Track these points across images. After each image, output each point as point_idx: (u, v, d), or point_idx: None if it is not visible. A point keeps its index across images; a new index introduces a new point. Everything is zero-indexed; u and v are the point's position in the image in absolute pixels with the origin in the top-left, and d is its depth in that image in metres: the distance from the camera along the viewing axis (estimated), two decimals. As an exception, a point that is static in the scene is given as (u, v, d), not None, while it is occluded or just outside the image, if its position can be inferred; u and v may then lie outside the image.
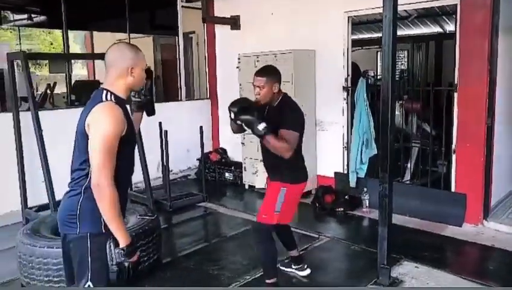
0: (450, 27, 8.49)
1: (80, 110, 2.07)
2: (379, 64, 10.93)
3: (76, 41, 12.27)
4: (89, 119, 1.95)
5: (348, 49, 5.29)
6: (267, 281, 3.19)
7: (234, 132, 3.26)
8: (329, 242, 4.28)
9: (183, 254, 4.08)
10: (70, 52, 7.01)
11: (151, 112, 2.43)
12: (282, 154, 2.88)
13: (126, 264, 1.97)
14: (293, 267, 3.58)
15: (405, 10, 6.24)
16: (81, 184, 2.01)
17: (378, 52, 10.84)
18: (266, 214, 3.07)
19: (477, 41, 4.24)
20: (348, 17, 5.22)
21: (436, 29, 8.88)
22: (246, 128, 2.92)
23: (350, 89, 5.33)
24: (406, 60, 9.24)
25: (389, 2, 3.06)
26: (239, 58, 5.84)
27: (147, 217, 3.73)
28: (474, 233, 4.32)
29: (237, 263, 3.84)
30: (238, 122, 2.89)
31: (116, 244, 1.97)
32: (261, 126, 2.80)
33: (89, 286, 1.98)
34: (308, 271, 3.56)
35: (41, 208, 4.62)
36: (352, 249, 4.12)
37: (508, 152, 5.02)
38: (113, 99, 2.00)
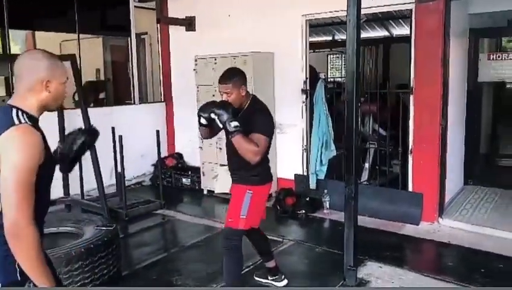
0: (396, 31, 8.80)
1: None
2: (329, 66, 11.21)
3: (16, 40, 11.50)
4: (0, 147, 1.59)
5: (306, 52, 5.31)
6: None
7: (204, 137, 3.15)
8: (293, 245, 4.26)
9: (143, 265, 3.90)
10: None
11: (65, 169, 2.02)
12: (250, 158, 2.77)
13: None
14: (269, 278, 3.44)
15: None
16: None
17: (329, 55, 11.11)
18: (232, 219, 2.97)
19: (432, 45, 4.39)
20: (306, 20, 5.24)
21: (383, 33, 9.18)
22: (218, 122, 2.75)
23: (309, 91, 5.35)
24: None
25: (353, 7, 3.08)
26: (196, 60, 5.69)
27: (105, 228, 3.56)
28: (431, 231, 4.47)
29: (201, 271, 3.72)
30: (212, 115, 2.75)
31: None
32: (234, 123, 2.71)
33: None
34: (285, 282, 3.42)
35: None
36: (317, 252, 4.13)
37: (457, 151, 5.25)
38: (27, 120, 1.64)
